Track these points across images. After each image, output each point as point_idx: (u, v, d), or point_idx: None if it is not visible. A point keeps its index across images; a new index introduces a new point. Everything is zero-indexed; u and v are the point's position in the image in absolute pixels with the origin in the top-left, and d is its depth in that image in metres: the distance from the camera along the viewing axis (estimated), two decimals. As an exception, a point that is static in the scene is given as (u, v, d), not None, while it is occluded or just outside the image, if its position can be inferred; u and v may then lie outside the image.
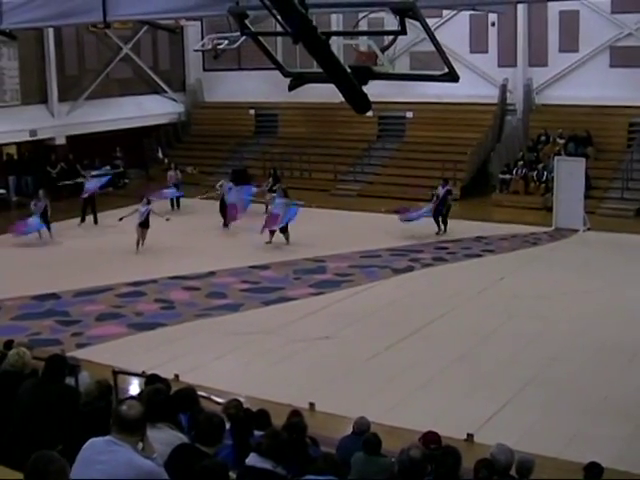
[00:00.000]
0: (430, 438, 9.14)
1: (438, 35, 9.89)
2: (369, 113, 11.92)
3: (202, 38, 35.24)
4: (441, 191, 26.60)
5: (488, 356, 16.02)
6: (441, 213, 26.51)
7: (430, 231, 26.29)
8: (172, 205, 31.00)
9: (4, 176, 33.49)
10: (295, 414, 9.90)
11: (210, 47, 32.18)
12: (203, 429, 6.76)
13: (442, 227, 26.46)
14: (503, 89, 34.46)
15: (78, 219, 28.81)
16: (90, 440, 5.97)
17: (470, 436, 12.27)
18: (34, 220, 25.83)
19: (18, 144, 35.11)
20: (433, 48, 9.44)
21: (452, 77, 9.67)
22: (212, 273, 22.04)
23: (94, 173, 32.39)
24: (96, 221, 29.06)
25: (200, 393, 9.98)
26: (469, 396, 14.22)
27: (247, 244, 24.68)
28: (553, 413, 13.48)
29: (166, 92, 40.51)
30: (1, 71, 33.03)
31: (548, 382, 14.74)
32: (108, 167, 33.44)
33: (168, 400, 7.51)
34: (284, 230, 24.97)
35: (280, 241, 25.01)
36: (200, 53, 38.04)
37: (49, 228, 26.49)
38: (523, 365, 15.49)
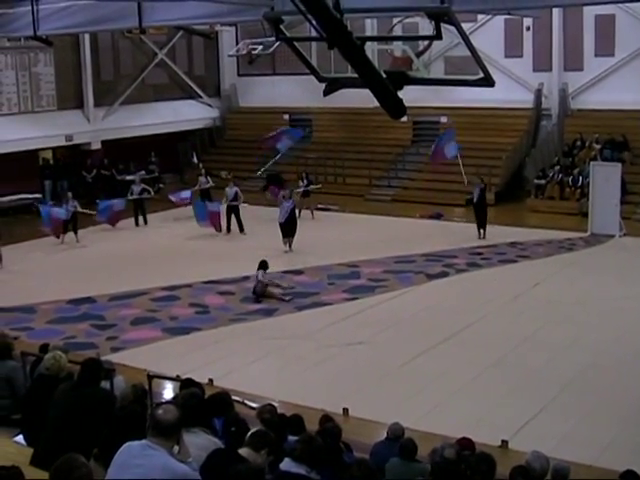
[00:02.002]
0: (464, 444, 9.10)
1: (473, 40, 9.87)
2: (404, 118, 11.92)
3: (237, 43, 35.51)
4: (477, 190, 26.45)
5: (523, 362, 15.92)
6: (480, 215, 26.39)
7: (465, 236, 26.17)
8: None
9: (40, 181, 33.76)
10: (326, 419, 9.89)
11: (245, 52, 32.38)
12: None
13: (482, 232, 26.25)
14: (538, 94, 34.29)
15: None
16: (126, 444, 6.00)
17: (505, 442, 12.19)
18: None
19: (54, 149, 35.41)
20: (468, 53, 9.42)
21: (487, 82, 9.65)
22: (246, 278, 22.01)
23: (129, 178, 32.75)
24: (146, 222, 29.69)
25: (234, 397, 10.02)
26: (504, 402, 14.14)
27: (280, 249, 24.68)
28: (589, 420, 13.38)
29: (201, 97, 40.65)
30: (37, 77, 33.29)
31: (584, 389, 14.62)
32: (143, 172, 33.63)
33: (203, 404, 7.54)
34: (292, 234, 25.05)
35: (311, 246, 25.01)
36: (235, 58, 38.24)
37: (76, 232, 26.79)
38: (558, 371, 15.36)
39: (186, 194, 30.78)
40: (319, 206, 30.19)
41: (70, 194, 27.67)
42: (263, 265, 20.47)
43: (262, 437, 6.97)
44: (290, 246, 24.97)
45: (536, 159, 33.05)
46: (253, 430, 7.42)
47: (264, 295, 20.09)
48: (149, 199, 30.18)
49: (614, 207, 26.27)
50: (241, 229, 27.51)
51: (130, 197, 29.60)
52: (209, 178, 31.32)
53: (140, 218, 29.58)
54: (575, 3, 24.75)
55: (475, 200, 26.44)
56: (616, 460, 11.02)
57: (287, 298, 20.27)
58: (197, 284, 21.73)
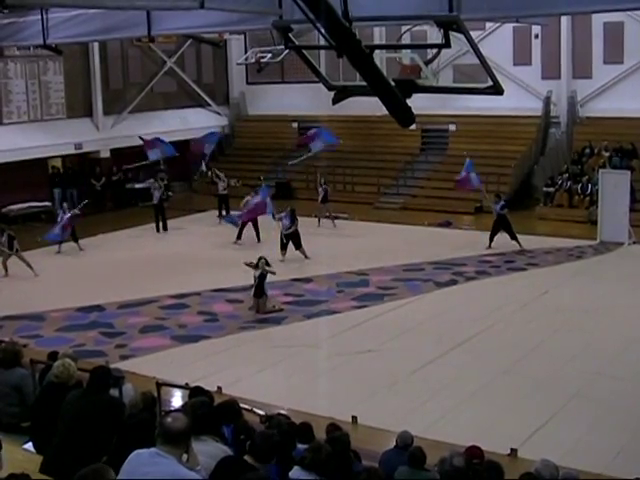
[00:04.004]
0: (473, 453, 9.07)
1: (481, 48, 9.87)
2: (412, 126, 11.92)
3: (246, 51, 35.50)
4: (496, 207, 26.14)
5: (532, 370, 15.88)
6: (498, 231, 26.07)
7: (474, 244, 26.10)
8: (220, 216, 30.92)
9: (50, 189, 33.83)
10: (334, 427, 9.86)
11: (253, 60, 32.36)
12: (260, 446, 6.78)
13: (490, 244, 25.99)
14: (547, 101, 34.26)
15: (124, 231, 29.22)
16: (135, 452, 5.99)
17: (514, 451, 12.16)
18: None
19: (63, 157, 35.46)
20: (477, 61, 9.42)
21: (496, 90, 9.64)
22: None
23: (138, 186, 32.88)
24: (165, 228, 29.77)
25: (242, 405, 10.01)
26: (513, 410, 14.11)
27: (290, 257, 24.66)
28: (598, 428, 13.34)
29: (210, 105, 40.70)
30: (47, 85, 33.38)
31: (593, 397, 14.58)
32: (152, 180, 33.65)
33: (212, 412, 7.54)
34: (298, 246, 24.94)
35: (320, 254, 24.98)
36: (243, 66, 38.24)
37: (76, 241, 26.85)
38: (567, 380, 15.33)
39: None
40: (326, 214, 30.12)
41: (65, 204, 27.66)
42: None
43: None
44: (305, 255, 24.97)
45: (545, 167, 33.04)
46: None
47: (266, 312, 20.00)
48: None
49: (623, 215, 26.22)
50: (258, 239, 27.30)
51: (152, 202, 29.73)
52: (228, 180, 31.15)
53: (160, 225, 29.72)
54: (584, 11, 24.77)
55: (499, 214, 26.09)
56: (625, 468, 11.01)
57: (277, 307, 20.28)
58: (206, 292, 21.74)
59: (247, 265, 20.35)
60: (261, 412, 13.08)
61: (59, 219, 26.62)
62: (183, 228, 30.29)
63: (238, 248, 26.57)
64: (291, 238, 24.76)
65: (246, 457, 6.82)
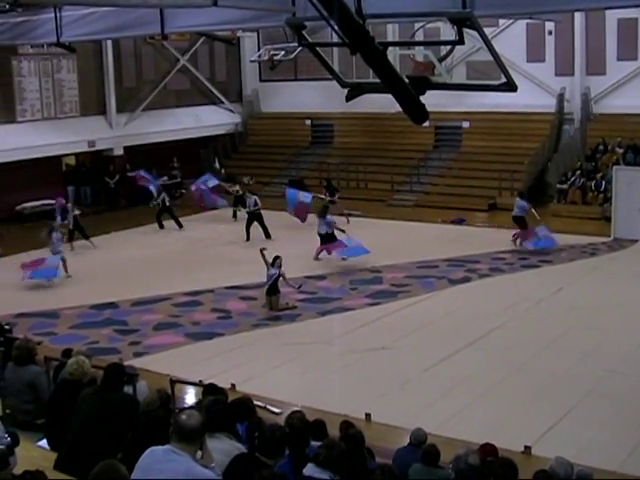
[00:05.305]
0: (487, 450, 9.07)
1: (495, 44, 9.85)
2: (426, 123, 11.91)
3: (259, 49, 35.54)
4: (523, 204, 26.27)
5: (546, 368, 15.83)
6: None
7: (488, 241, 26.06)
8: (235, 214, 30.83)
9: (63, 186, 33.89)
10: (347, 424, 9.85)
11: (267, 58, 32.37)
12: (266, 441, 6.78)
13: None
14: (560, 98, 34.17)
15: (137, 228, 29.27)
16: (149, 449, 6.01)
17: (528, 448, 12.14)
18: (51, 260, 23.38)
19: (77, 155, 35.58)
20: (490, 57, 9.41)
21: (510, 86, 9.63)
22: (269, 283, 22.05)
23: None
24: (180, 225, 29.76)
25: (256, 403, 10.02)
26: (527, 408, 14.08)
27: (302, 254, 24.63)
28: (612, 426, 13.29)
29: (223, 103, 40.73)
30: (61, 83, 33.46)
31: (607, 394, 14.53)
32: (165, 177, 33.71)
33: (226, 410, 7.55)
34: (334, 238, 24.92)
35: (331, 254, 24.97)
36: (257, 64, 38.33)
37: (87, 238, 26.98)
38: (581, 377, 15.30)
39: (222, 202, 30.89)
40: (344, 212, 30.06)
41: (70, 205, 27.68)
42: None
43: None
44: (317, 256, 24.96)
45: (558, 164, 32.93)
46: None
47: (279, 309, 20.04)
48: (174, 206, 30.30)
49: (637, 211, 26.13)
50: (267, 235, 27.34)
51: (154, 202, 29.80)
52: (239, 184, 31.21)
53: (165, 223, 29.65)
54: (597, 7, 24.71)
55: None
56: (640, 466, 10.98)
57: (290, 305, 20.31)
58: (219, 289, 21.76)
59: (262, 255, 20.31)
60: (275, 409, 13.13)
61: (66, 220, 26.71)
62: (196, 226, 30.29)
63: (251, 245, 26.58)
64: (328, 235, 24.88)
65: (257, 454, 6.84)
